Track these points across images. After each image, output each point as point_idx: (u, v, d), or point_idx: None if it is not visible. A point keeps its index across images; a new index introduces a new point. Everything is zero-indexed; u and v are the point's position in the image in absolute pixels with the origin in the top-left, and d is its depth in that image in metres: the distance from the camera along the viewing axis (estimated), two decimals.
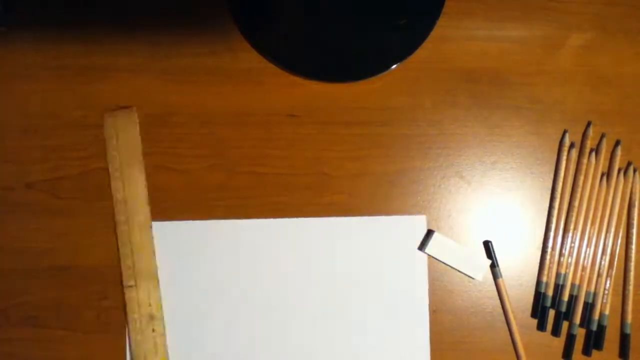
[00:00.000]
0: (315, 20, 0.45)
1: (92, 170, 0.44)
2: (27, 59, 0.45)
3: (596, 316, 0.44)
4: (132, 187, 0.42)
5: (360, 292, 0.43)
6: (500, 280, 0.44)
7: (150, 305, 0.42)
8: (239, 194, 0.44)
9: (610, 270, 0.44)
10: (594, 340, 0.44)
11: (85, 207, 0.44)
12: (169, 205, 0.44)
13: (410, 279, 0.43)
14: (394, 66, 0.45)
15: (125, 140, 0.43)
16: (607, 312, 0.44)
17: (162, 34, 0.45)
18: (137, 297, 0.42)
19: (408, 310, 0.43)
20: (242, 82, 0.45)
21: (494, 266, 0.44)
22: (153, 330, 0.42)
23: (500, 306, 0.44)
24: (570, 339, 0.44)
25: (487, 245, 0.44)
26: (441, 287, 0.44)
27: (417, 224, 0.44)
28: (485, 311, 0.44)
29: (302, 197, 0.45)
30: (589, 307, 0.44)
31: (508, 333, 0.44)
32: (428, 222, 0.44)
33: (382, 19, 0.45)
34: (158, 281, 0.42)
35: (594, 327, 0.44)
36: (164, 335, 0.42)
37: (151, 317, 0.42)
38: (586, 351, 0.44)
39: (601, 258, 0.44)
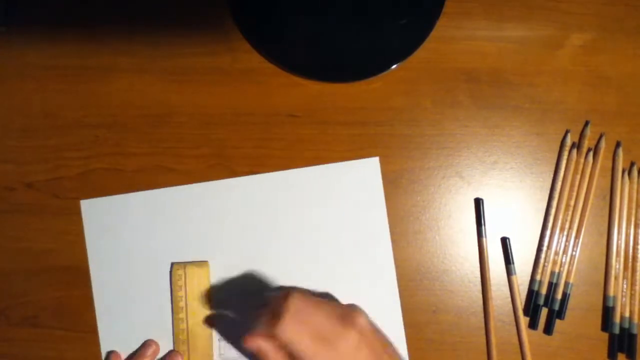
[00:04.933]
0: (315, 20, 0.45)
1: (92, 170, 0.44)
2: (27, 59, 0.45)
3: None
4: (195, 340, 0.43)
5: (328, 234, 0.44)
6: (513, 277, 0.44)
7: None
8: None
9: (626, 272, 0.44)
10: None
11: None
12: None
13: (371, 215, 0.44)
14: (394, 66, 0.45)
15: (193, 293, 0.43)
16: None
17: (162, 34, 0.45)
18: None
19: (373, 241, 0.44)
20: (242, 82, 0.45)
21: (509, 263, 0.44)
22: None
23: (500, 306, 0.44)
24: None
25: (504, 241, 0.44)
26: (441, 287, 0.44)
27: (372, 166, 0.44)
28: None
29: None
30: None
31: (508, 333, 0.44)
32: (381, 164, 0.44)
33: (382, 19, 0.45)
34: None
35: None
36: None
37: None
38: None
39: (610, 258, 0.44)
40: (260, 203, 0.44)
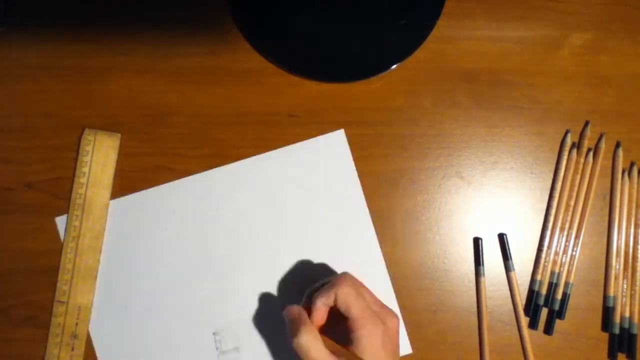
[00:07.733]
0: (315, 20, 0.45)
1: None
2: (27, 59, 0.45)
3: None
4: (90, 220, 0.43)
5: (308, 214, 0.44)
6: (512, 274, 0.44)
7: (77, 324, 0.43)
8: None
9: (626, 272, 0.44)
10: None
11: None
12: None
13: (346, 188, 0.44)
14: (394, 66, 0.45)
15: (97, 163, 0.43)
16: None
17: (162, 34, 0.45)
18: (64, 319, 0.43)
19: (351, 213, 0.44)
20: (242, 82, 0.45)
21: (506, 259, 0.44)
22: (72, 349, 0.43)
23: (500, 306, 0.44)
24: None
25: (501, 237, 0.44)
26: (441, 287, 0.44)
27: (338, 139, 0.44)
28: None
29: None
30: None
31: (508, 333, 0.44)
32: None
33: (382, 19, 0.45)
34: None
35: None
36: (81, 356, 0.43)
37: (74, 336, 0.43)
38: None
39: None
40: (239, 191, 0.44)
